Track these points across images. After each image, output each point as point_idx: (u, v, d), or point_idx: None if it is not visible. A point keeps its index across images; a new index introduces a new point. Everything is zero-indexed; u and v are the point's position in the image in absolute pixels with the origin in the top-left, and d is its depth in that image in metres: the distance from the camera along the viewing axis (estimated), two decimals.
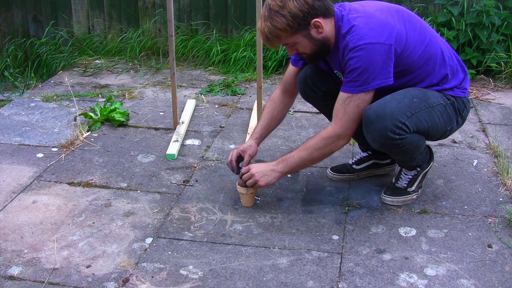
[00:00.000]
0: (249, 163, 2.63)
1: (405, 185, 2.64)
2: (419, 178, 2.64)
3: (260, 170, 2.50)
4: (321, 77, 2.63)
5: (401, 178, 2.64)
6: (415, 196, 2.66)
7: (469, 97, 2.61)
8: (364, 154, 2.86)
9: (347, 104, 2.33)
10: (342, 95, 2.35)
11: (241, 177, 2.57)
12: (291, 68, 2.71)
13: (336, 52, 2.39)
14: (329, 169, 2.89)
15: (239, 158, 2.66)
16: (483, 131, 3.43)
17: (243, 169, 2.57)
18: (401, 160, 2.59)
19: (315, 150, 2.43)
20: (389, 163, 2.87)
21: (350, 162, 2.88)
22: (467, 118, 2.62)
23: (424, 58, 2.38)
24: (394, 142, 2.35)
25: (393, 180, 2.69)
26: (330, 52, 2.41)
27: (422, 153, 2.56)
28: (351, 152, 3.14)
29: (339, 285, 2.13)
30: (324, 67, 2.59)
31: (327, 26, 2.32)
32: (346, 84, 2.34)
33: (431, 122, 2.42)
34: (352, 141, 3.26)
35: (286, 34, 2.29)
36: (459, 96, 2.50)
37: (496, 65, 4.21)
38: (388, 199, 2.64)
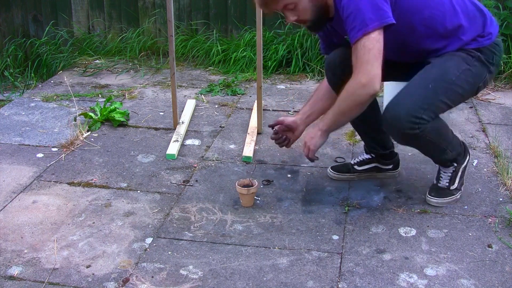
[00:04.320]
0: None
1: (447, 184, 2.61)
2: (459, 174, 2.60)
3: (309, 136, 2.47)
4: (349, 65, 2.53)
5: (441, 177, 2.61)
6: (459, 196, 2.63)
7: (499, 40, 2.44)
8: (367, 156, 2.84)
9: (357, 51, 2.21)
10: (352, 49, 2.24)
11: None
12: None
13: (338, 16, 2.31)
14: (329, 168, 2.89)
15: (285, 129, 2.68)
16: (483, 131, 3.43)
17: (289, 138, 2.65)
18: (432, 155, 2.56)
19: (341, 102, 2.31)
20: (391, 169, 2.85)
21: (352, 162, 2.87)
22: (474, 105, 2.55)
23: (429, 8, 2.30)
24: (416, 135, 2.30)
25: (435, 181, 2.65)
26: (332, 19, 2.35)
27: (452, 143, 2.51)
28: (351, 153, 3.14)
29: (339, 285, 2.13)
30: (336, 40, 2.52)
31: None
32: (349, 36, 2.23)
33: (453, 99, 2.36)
34: (352, 140, 3.26)
35: None
36: (484, 45, 2.37)
37: None
38: (433, 200, 2.61)
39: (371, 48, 2.17)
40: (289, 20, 2.35)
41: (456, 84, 2.35)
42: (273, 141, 2.73)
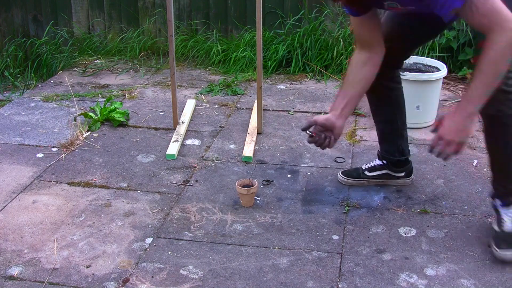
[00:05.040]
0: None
1: None
2: None
3: (453, 130, 2.01)
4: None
5: (504, 221, 2.22)
6: None
7: None
8: (379, 163, 2.77)
9: (477, 8, 1.86)
10: (465, 15, 1.90)
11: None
12: (354, 20, 2.30)
13: None
14: (340, 172, 2.84)
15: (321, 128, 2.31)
16: (483, 131, 3.42)
17: (433, 142, 2.07)
18: (499, 170, 2.24)
19: (492, 65, 1.90)
20: (402, 176, 2.78)
21: (363, 168, 2.80)
22: None
23: None
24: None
25: (497, 228, 2.25)
26: None
27: None
28: (351, 152, 3.14)
29: (339, 285, 2.13)
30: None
31: None
32: (447, 5, 1.89)
33: None
34: (352, 141, 3.26)
35: None
36: None
37: None
38: (509, 253, 2.19)
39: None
40: None
41: None
42: (312, 144, 2.35)
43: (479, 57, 1.93)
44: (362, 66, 2.31)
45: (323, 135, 2.30)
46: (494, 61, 1.90)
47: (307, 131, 2.32)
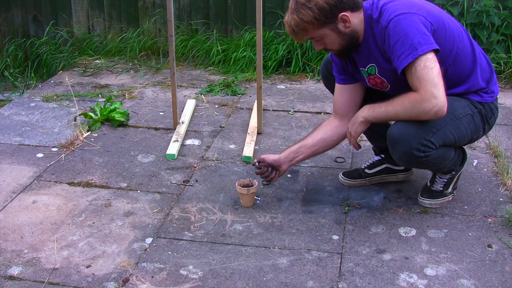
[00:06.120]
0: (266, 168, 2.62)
1: (441, 189, 2.61)
2: (454, 180, 2.62)
3: (351, 121, 2.43)
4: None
5: (436, 182, 2.61)
6: (451, 198, 2.65)
7: (497, 102, 2.53)
8: (377, 158, 2.81)
9: (414, 73, 2.17)
10: (406, 72, 2.20)
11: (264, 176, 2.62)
12: (337, 88, 2.59)
13: (367, 43, 2.33)
14: (340, 174, 2.85)
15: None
16: None
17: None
18: (431, 170, 2.59)
19: (402, 108, 2.24)
20: (403, 170, 2.82)
21: (362, 166, 2.83)
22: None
23: (456, 49, 2.32)
24: (420, 159, 2.31)
25: (428, 183, 2.64)
26: (359, 45, 2.34)
27: (453, 159, 2.50)
28: (351, 152, 3.14)
29: (339, 285, 2.13)
30: (351, 68, 2.49)
31: (355, 19, 2.27)
32: (399, 61, 2.19)
33: (458, 135, 2.37)
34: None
35: (312, 27, 2.25)
36: (487, 102, 2.44)
37: (496, 65, 4.21)
38: (427, 202, 2.61)
39: (431, 67, 2.15)
40: (316, 49, 2.40)
41: (461, 123, 2.37)
42: (259, 175, 2.65)
43: (399, 93, 2.28)
44: (329, 129, 2.60)
45: (270, 169, 2.62)
46: (404, 104, 2.23)
47: (256, 165, 2.62)
